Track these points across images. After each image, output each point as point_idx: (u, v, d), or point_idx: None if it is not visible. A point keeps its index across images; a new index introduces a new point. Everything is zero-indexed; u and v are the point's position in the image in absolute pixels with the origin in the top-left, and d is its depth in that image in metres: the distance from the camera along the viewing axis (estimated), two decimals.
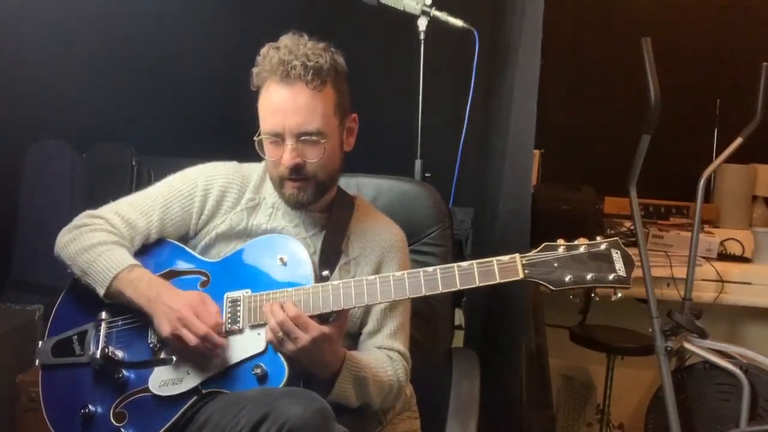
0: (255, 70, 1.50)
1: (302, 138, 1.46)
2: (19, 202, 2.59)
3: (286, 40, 1.49)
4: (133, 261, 1.48)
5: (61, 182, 2.58)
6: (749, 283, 2.67)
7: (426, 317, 1.80)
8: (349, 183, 1.81)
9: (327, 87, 1.47)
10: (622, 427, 2.81)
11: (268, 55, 1.47)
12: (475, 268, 1.36)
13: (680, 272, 2.51)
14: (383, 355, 1.53)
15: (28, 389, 2.11)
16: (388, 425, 1.56)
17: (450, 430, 1.60)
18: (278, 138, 1.46)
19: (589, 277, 1.33)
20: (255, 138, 1.51)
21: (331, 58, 1.48)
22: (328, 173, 1.52)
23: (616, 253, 1.35)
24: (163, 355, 1.45)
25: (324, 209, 1.59)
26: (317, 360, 1.39)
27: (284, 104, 1.45)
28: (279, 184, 1.53)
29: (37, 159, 2.62)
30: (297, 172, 1.48)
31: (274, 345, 1.38)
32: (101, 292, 1.45)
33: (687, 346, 2.36)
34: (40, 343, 1.55)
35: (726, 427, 2.33)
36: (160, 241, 1.58)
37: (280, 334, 1.35)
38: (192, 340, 1.38)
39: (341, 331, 1.41)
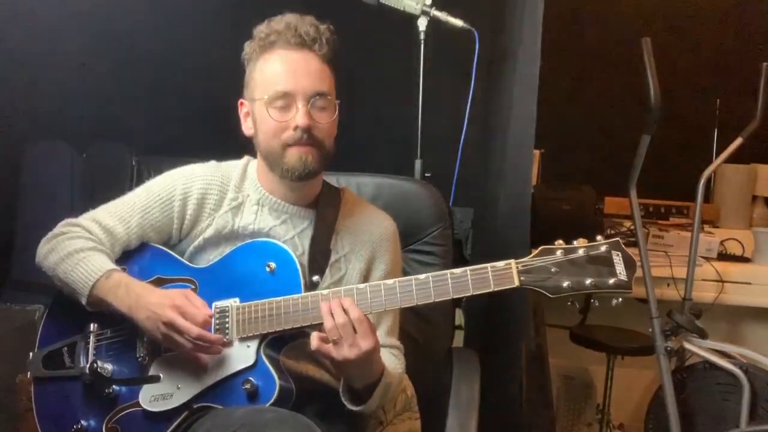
0: (251, 43, 1.48)
1: (314, 100, 1.42)
2: (19, 203, 2.59)
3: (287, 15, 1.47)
4: (110, 266, 1.44)
5: (61, 182, 2.57)
6: (749, 283, 2.67)
7: (426, 317, 1.80)
8: (350, 182, 1.81)
9: (328, 65, 1.46)
10: (622, 427, 2.81)
11: (271, 24, 1.45)
12: (469, 276, 1.31)
13: (680, 272, 2.51)
14: (389, 356, 1.53)
15: (28, 389, 2.10)
16: (389, 425, 1.56)
17: (450, 430, 1.59)
18: (289, 100, 1.42)
19: (588, 282, 1.28)
20: (257, 98, 1.45)
21: (334, 39, 1.46)
22: (330, 144, 1.48)
23: (617, 255, 1.29)
24: (151, 371, 1.43)
25: (311, 204, 1.55)
26: (362, 370, 1.35)
27: (295, 67, 1.42)
28: (282, 152, 1.45)
29: (37, 159, 2.61)
30: (308, 134, 1.42)
31: (322, 349, 1.31)
32: (83, 301, 1.43)
33: (687, 346, 2.36)
34: (31, 354, 1.53)
35: (726, 427, 2.33)
36: (146, 247, 1.54)
37: (336, 337, 1.29)
38: (186, 344, 1.35)
39: None
